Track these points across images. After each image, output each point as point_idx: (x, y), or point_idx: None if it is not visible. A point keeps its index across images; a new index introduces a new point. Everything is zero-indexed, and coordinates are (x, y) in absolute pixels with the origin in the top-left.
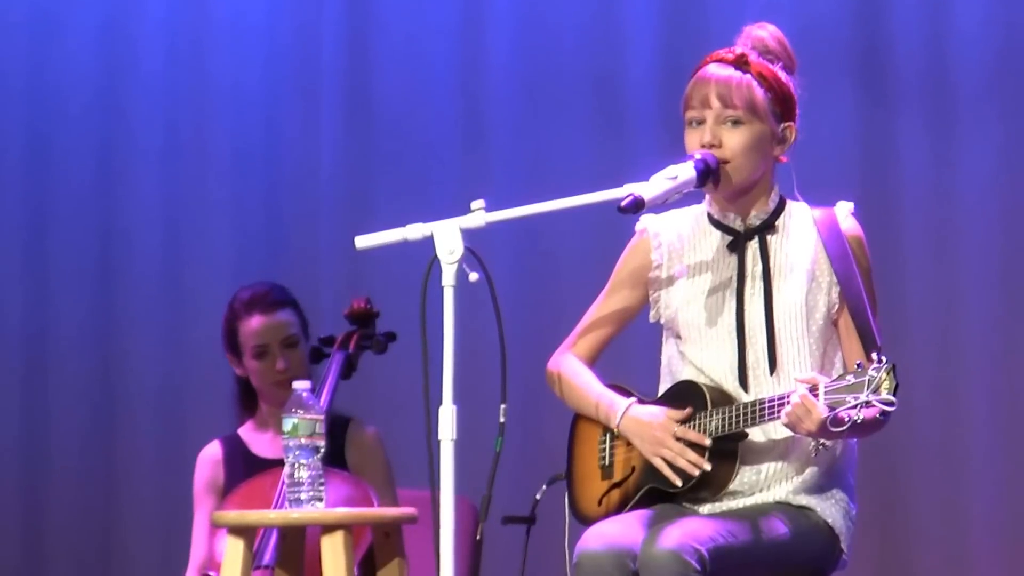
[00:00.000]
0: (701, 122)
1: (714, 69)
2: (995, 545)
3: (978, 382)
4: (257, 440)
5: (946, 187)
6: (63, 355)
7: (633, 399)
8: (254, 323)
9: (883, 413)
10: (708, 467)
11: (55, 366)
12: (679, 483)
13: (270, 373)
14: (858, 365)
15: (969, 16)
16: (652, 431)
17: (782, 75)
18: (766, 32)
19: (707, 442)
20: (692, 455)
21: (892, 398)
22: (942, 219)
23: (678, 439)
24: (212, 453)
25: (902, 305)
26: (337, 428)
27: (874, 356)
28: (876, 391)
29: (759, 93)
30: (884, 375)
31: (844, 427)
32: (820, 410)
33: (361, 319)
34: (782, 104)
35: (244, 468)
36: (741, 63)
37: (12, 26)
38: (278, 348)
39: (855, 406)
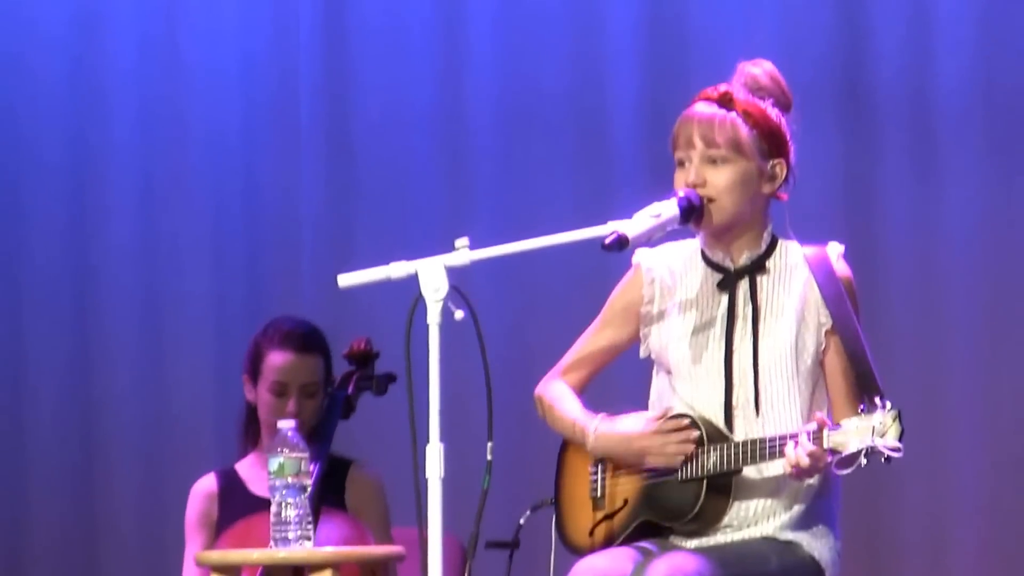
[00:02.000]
0: (688, 162)
1: (699, 108)
2: (979, 569)
3: (963, 418)
4: (255, 478)
5: (929, 224)
6: (39, 401)
7: (597, 419)
8: (282, 358)
9: (888, 459)
10: (696, 435)
11: (31, 412)
12: (679, 461)
13: (279, 412)
14: (862, 409)
15: (951, 53)
16: (629, 443)
17: (771, 112)
18: (760, 69)
19: (694, 434)
20: (677, 437)
21: (899, 444)
22: (925, 255)
23: (656, 433)
24: (207, 487)
25: (886, 340)
26: (339, 470)
27: (878, 401)
28: (883, 436)
29: (743, 131)
30: (891, 421)
31: (849, 470)
32: (827, 460)
33: (360, 360)
34: (769, 140)
35: (240, 506)
36: (725, 101)
37: None
38: (296, 391)
39: (861, 451)
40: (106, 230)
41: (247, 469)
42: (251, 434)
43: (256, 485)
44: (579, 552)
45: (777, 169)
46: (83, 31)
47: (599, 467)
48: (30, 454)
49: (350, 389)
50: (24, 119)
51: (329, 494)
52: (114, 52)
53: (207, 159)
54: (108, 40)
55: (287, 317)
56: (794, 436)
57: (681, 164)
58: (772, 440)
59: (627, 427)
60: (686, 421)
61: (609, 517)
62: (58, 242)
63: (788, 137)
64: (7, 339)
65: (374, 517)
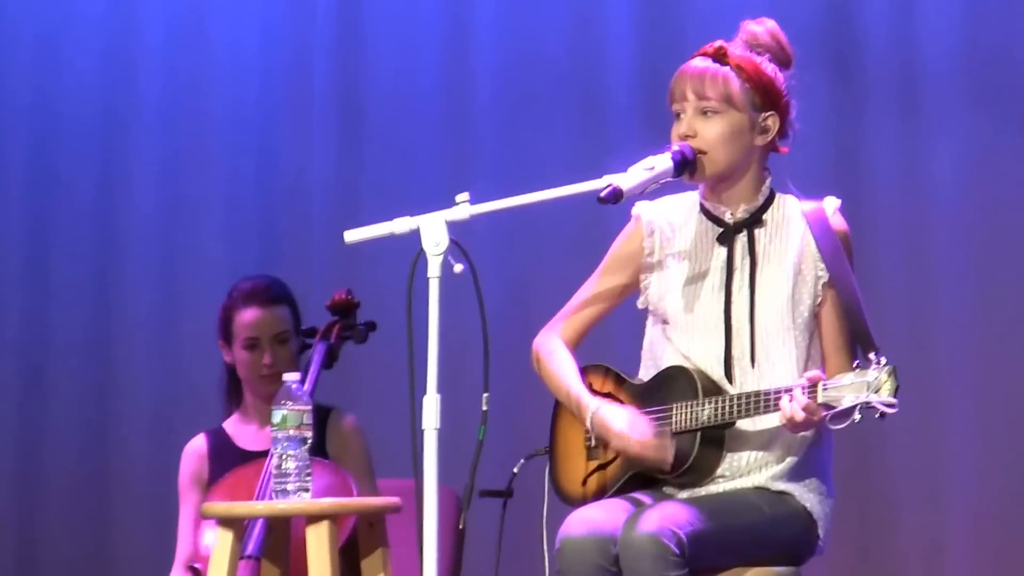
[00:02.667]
0: (683, 114)
1: (693, 62)
2: (972, 532)
3: (952, 373)
4: (242, 433)
5: (917, 181)
6: (60, 359)
7: (600, 401)
8: (250, 315)
9: (882, 415)
10: (670, 457)
11: (52, 370)
12: (666, 468)
13: (256, 366)
14: (857, 365)
15: (937, 14)
16: (608, 432)
17: (766, 66)
18: (761, 27)
19: (669, 460)
20: (652, 452)
21: (894, 400)
22: (913, 213)
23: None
24: (197, 447)
25: (874, 299)
26: (318, 418)
27: (873, 356)
28: (877, 392)
29: (735, 84)
30: (885, 376)
31: (843, 425)
32: (821, 414)
33: (342, 310)
34: (762, 94)
35: (229, 461)
36: (719, 55)
37: (18, 49)
38: (268, 343)
39: (855, 406)
40: (129, 197)
41: (234, 426)
42: (234, 395)
43: (244, 440)
44: (571, 502)
45: (769, 122)
46: (115, 8)
47: None
48: (48, 416)
49: (332, 339)
50: (57, 92)
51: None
52: (143, 28)
53: (225, 128)
54: (138, 17)
55: (247, 276)
56: (788, 390)
57: (677, 117)
58: (767, 393)
59: (617, 421)
60: (672, 444)
61: (602, 467)
62: (84, 206)
63: (783, 92)
64: (32, 308)
65: (356, 463)
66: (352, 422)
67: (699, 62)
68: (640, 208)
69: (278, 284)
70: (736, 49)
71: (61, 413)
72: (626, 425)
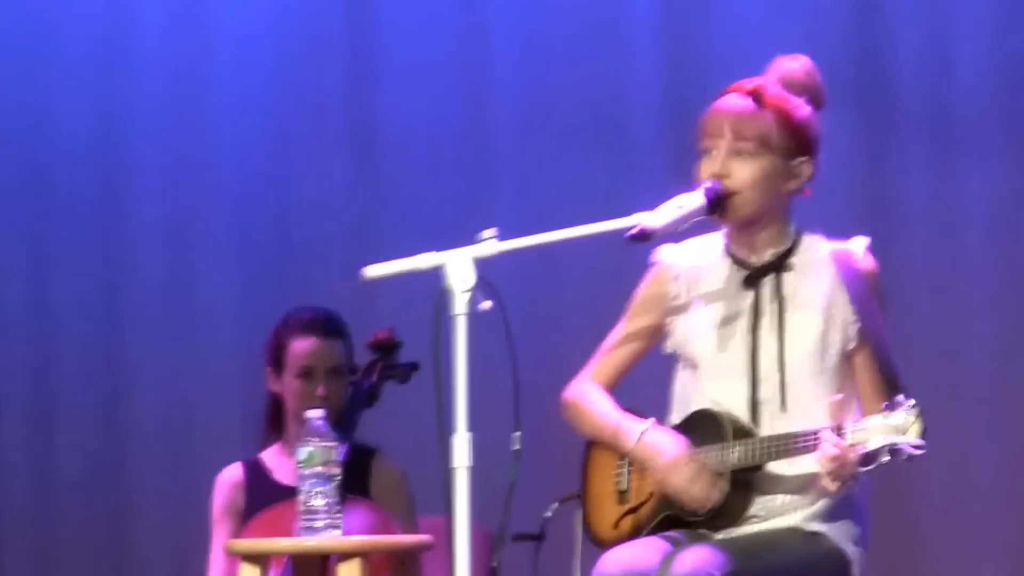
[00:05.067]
0: (715, 151)
1: (731, 100)
2: (1004, 564)
3: (984, 410)
4: (281, 466)
5: (948, 222)
6: (69, 390)
7: (650, 422)
8: (307, 344)
9: (909, 457)
10: (715, 500)
11: (62, 401)
12: (697, 513)
13: (309, 397)
14: (885, 406)
15: (970, 50)
16: (657, 460)
17: (802, 109)
18: (797, 64)
19: (716, 496)
20: (698, 489)
21: (921, 441)
22: (944, 254)
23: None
24: (233, 476)
25: (904, 339)
26: (363, 459)
27: (901, 398)
28: (904, 434)
29: (772, 127)
30: (912, 418)
31: (871, 467)
32: (855, 458)
33: (384, 349)
34: (797, 138)
35: (266, 494)
36: (758, 95)
37: (10, 50)
38: (323, 374)
39: (883, 448)
40: (134, 223)
41: (272, 458)
42: (275, 425)
43: (281, 474)
44: (603, 546)
45: (803, 168)
46: (110, 13)
47: (625, 460)
48: (58, 448)
49: (374, 378)
50: (53, 104)
51: (354, 483)
52: (139, 37)
53: (236, 155)
54: (138, 56)
55: (305, 306)
56: (816, 433)
57: (707, 153)
58: (795, 437)
59: (668, 447)
60: (721, 481)
61: (634, 510)
62: (85, 235)
63: (816, 136)
64: (36, 333)
65: (399, 506)
66: (398, 466)
67: (736, 100)
68: (662, 253)
69: (338, 318)
70: (773, 89)
71: (71, 452)
72: (673, 456)
